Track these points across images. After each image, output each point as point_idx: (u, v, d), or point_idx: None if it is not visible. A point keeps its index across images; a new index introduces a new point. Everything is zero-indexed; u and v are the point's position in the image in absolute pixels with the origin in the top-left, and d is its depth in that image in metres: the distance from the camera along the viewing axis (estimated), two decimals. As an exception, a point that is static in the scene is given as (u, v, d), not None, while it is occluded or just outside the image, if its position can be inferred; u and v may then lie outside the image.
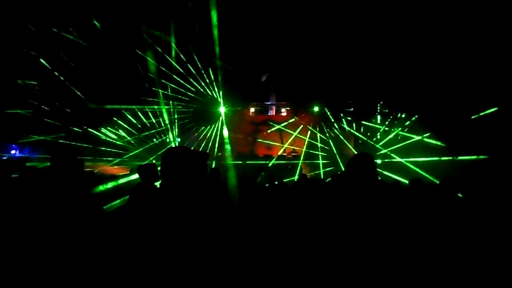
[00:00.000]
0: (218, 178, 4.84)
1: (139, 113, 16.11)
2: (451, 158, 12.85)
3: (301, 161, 16.11)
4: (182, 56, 15.48)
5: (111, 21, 12.89)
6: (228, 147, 16.33)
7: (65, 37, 13.09)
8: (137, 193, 3.47)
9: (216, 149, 16.96)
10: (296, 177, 14.75)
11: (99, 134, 15.96)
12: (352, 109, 17.45)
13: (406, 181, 10.62)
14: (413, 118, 15.59)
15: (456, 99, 11.78)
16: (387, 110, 17.17)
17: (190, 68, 16.04)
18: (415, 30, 11.53)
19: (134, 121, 16.36)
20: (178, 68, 15.95)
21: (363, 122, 17.38)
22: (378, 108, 17.37)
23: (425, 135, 14.68)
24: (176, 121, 16.70)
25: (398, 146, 15.56)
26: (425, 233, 2.96)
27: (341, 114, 17.66)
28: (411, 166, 13.86)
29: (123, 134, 16.60)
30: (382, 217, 2.23)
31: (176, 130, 16.79)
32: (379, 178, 2.57)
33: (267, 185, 6.88)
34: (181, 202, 1.75)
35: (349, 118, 17.57)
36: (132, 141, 16.64)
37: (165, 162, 1.87)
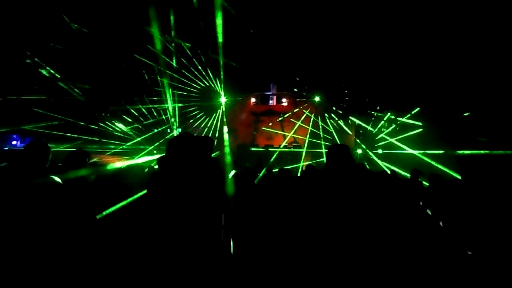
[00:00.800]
0: (217, 168, 4.86)
1: (139, 104, 16.09)
2: (445, 151, 12.86)
3: (305, 150, 16.17)
4: (185, 48, 15.39)
5: (113, 13, 12.79)
6: (226, 138, 16.40)
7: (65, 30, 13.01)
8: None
9: (215, 140, 17.01)
10: (299, 165, 14.93)
11: (102, 125, 15.99)
12: (347, 98, 17.29)
13: (400, 171, 10.69)
14: (414, 111, 15.45)
15: (456, 94, 11.74)
16: (377, 108, 16.99)
17: (190, 54, 15.92)
18: (417, 25, 11.41)
19: (135, 113, 16.36)
20: (181, 58, 15.87)
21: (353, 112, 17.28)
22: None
23: (421, 129, 14.63)
24: (176, 110, 16.70)
25: (400, 137, 15.54)
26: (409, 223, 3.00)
27: (340, 104, 17.58)
28: (423, 158, 13.75)
29: (123, 125, 16.62)
30: (364, 205, 2.26)
31: (177, 119, 16.79)
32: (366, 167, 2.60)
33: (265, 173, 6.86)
34: (185, 191, 1.74)
35: (344, 106, 17.48)
36: (129, 132, 16.67)
37: (171, 149, 1.84)
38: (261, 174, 8.22)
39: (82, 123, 14.42)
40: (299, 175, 12.84)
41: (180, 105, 16.81)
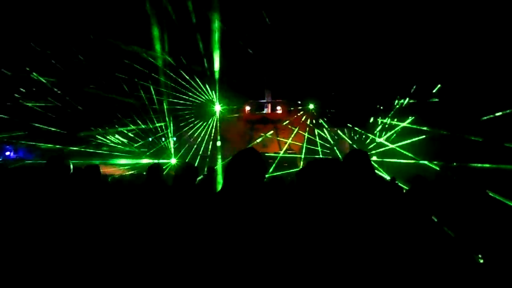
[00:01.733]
0: (214, 177, 4.84)
1: (131, 113, 16.03)
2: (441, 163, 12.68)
3: (303, 156, 16.13)
4: (182, 59, 15.41)
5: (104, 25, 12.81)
6: (219, 144, 16.42)
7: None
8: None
9: (210, 148, 16.93)
10: (297, 169, 14.86)
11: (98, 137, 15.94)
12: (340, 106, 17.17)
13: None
14: (411, 119, 15.23)
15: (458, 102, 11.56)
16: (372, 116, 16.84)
17: (183, 60, 15.89)
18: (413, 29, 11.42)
19: (131, 126, 16.32)
20: (176, 67, 15.87)
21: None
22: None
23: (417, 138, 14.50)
24: (171, 119, 16.63)
25: (396, 145, 15.37)
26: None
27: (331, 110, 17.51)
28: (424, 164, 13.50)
29: (118, 135, 16.54)
30: (383, 214, 2.19)
31: (171, 128, 16.72)
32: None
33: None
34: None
35: (333, 110, 17.42)
36: (125, 141, 16.61)
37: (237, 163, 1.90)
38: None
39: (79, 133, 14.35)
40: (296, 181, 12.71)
41: (175, 106, 16.76)
